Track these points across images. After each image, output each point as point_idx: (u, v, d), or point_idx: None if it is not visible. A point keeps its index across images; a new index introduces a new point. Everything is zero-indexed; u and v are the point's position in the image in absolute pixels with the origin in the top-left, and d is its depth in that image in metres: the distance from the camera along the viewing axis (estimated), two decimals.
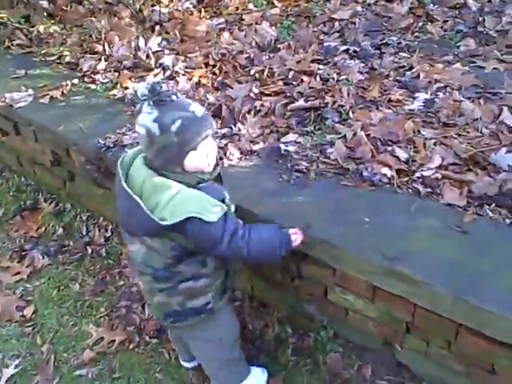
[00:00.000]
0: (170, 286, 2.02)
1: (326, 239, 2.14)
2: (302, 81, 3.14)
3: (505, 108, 2.63)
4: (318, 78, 3.13)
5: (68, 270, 3.29)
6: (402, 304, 2.10)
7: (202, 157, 1.89)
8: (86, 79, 3.68)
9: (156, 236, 1.88)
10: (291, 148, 2.67)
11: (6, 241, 3.60)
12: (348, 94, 2.95)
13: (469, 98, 2.78)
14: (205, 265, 2.01)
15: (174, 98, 1.83)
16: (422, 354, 2.24)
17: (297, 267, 2.40)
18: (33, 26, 4.33)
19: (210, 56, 3.58)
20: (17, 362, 2.76)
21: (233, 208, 2.06)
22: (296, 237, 2.04)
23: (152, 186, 1.86)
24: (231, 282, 2.20)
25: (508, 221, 2.12)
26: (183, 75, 3.42)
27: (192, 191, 1.85)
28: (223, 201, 1.92)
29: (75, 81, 3.66)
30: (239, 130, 2.85)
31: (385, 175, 2.40)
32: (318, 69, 3.23)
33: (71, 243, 3.46)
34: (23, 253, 3.47)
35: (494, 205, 2.18)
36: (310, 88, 3.06)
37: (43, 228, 3.64)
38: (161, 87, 1.80)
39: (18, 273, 3.32)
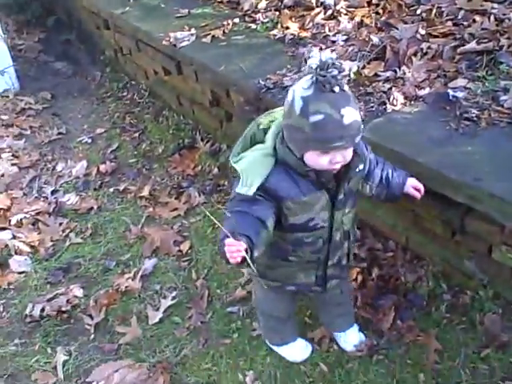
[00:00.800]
0: None
1: (497, 194, 1.99)
2: (473, 21, 2.91)
3: None
4: (491, 18, 2.88)
5: (222, 209, 3.38)
6: None
7: (325, 161, 1.73)
8: (246, 18, 3.68)
9: None
10: (460, 94, 2.50)
11: (165, 177, 3.79)
12: None
13: None
14: None
15: (336, 89, 1.62)
16: None
17: (461, 221, 2.28)
18: None
19: None
20: (173, 294, 2.90)
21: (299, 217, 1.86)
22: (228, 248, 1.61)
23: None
24: (274, 276, 2.09)
25: None
26: (345, 14, 3.31)
27: (268, 161, 1.78)
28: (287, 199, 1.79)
29: (236, 20, 3.67)
30: (404, 73, 2.71)
31: None
32: (492, 8, 2.96)
33: (226, 183, 3.55)
34: (180, 190, 3.63)
35: None
36: (483, 29, 2.83)
37: (199, 167, 3.79)
38: (333, 70, 1.62)
39: (175, 209, 3.48)
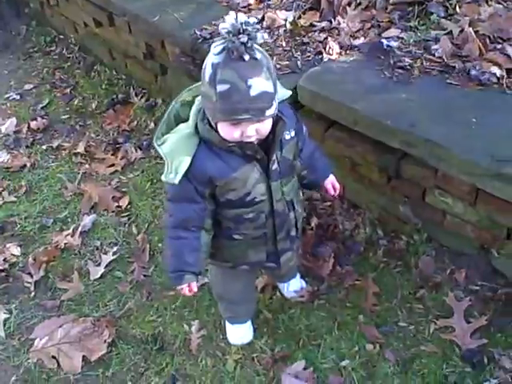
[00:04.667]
0: None
1: (431, 138, 2.07)
2: None
3: None
4: None
5: (160, 163, 3.33)
6: (507, 208, 2.03)
7: (237, 134, 1.61)
8: None
9: None
10: (394, 43, 2.55)
11: (100, 133, 3.73)
12: None
13: None
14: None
15: (246, 57, 1.50)
16: None
17: (396, 167, 2.36)
18: None
19: None
20: (114, 249, 2.88)
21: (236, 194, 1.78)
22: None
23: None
24: (223, 257, 2.02)
25: None
26: None
27: (192, 142, 1.69)
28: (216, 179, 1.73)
29: None
30: (339, 23, 2.74)
31: (494, 74, 2.29)
32: None
33: None
34: (117, 145, 3.58)
35: None
36: None
37: (135, 122, 3.74)
38: (243, 36, 1.47)
39: (112, 165, 3.44)
